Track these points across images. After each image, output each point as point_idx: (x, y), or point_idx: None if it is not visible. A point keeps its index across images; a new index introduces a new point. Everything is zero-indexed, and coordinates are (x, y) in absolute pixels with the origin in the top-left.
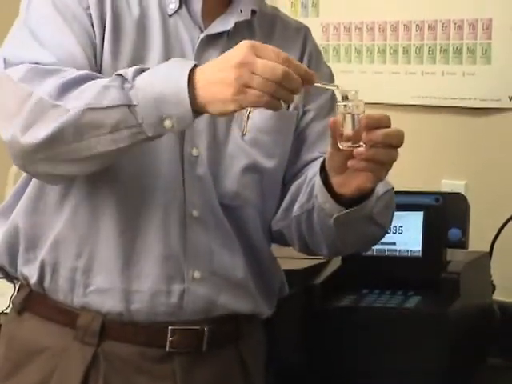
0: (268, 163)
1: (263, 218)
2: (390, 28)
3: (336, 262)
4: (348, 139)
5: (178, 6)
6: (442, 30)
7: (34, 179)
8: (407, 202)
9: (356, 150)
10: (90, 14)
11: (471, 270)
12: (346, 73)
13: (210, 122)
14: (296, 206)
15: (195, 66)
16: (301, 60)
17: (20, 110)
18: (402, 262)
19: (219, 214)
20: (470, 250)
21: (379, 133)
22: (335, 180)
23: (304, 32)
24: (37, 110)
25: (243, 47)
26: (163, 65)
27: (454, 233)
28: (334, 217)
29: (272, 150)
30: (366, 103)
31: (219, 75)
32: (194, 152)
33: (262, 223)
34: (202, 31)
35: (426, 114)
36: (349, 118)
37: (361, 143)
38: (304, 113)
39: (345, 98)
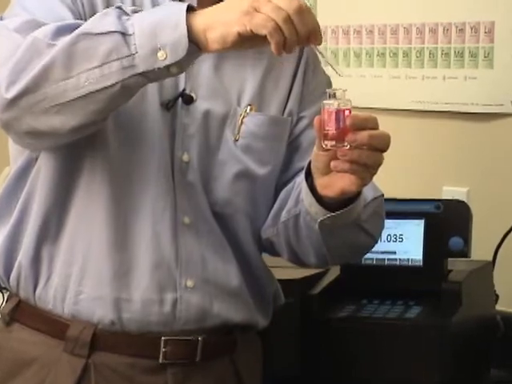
0: (261, 170)
1: (254, 226)
2: (389, 31)
3: (334, 272)
4: (332, 138)
5: None
6: (444, 33)
7: (27, 186)
8: (407, 209)
9: (340, 150)
10: (84, 11)
11: (473, 280)
12: (344, 77)
13: (202, 127)
14: (284, 212)
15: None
16: (297, 66)
17: (11, 56)
18: (402, 271)
19: (211, 221)
20: (472, 258)
21: (364, 133)
22: (319, 181)
23: None
24: (31, 51)
25: None
26: (164, 4)
27: (455, 241)
28: (318, 220)
29: (265, 156)
30: (365, 108)
31: (229, 2)
32: (185, 158)
33: (253, 231)
34: None
35: (427, 119)
36: (334, 116)
37: (345, 143)
38: (298, 119)
39: (332, 96)
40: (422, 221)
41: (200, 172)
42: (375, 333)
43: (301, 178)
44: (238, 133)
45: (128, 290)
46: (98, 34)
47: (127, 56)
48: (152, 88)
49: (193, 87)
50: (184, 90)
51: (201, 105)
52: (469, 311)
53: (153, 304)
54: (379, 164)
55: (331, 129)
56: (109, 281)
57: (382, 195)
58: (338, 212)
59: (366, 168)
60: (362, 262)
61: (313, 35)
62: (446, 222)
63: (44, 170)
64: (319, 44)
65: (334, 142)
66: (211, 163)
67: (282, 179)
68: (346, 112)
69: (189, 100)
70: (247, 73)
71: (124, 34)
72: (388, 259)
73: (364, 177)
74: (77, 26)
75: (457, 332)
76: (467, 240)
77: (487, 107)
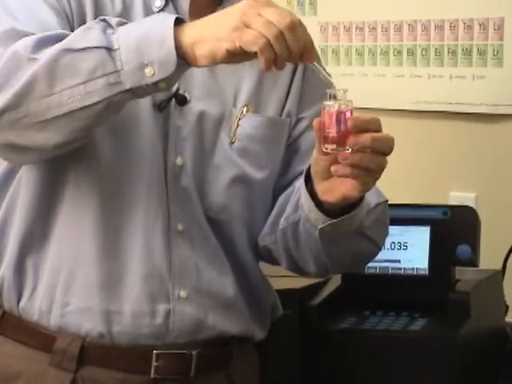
0: (258, 174)
1: (251, 232)
2: (393, 28)
3: (335, 282)
4: (333, 141)
5: (163, 3)
6: (450, 29)
7: (8, 194)
8: (412, 215)
9: (341, 154)
10: (71, 8)
11: (482, 290)
12: (346, 76)
13: (196, 129)
14: (282, 219)
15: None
16: (294, 68)
17: None
18: (407, 281)
19: (206, 228)
20: (480, 267)
21: (367, 136)
22: (320, 187)
23: None
24: (11, 65)
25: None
26: (150, 16)
27: (463, 249)
28: (318, 227)
29: (262, 160)
30: (367, 108)
31: (219, 16)
32: (179, 161)
33: (249, 238)
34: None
35: (433, 121)
36: (335, 118)
37: (346, 147)
38: (297, 121)
39: (333, 97)
40: (428, 228)
41: (194, 176)
42: (378, 346)
43: (300, 183)
44: (234, 135)
45: (118, 301)
46: (82, 49)
47: (113, 72)
48: None
49: (187, 87)
50: (178, 90)
51: (195, 106)
52: (477, 323)
53: (144, 316)
54: (382, 168)
55: (332, 131)
56: (97, 291)
57: (386, 201)
58: (340, 219)
59: (369, 172)
60: (365, 271)
61: (306, 52)
62: (453, 229)
63: (26, 179)
64: (312, 62)
65: (334, 146)
66: (206, 167)
67: (281, 183)
68: (348, 114)
69: (182, 101)
70: (244, 71)
71: (109, 50)
72: (392, 268)
73: (366, 182)
74: (60, 38)
75: (465, 345)
76: (475, 248)
77: (496, 108)
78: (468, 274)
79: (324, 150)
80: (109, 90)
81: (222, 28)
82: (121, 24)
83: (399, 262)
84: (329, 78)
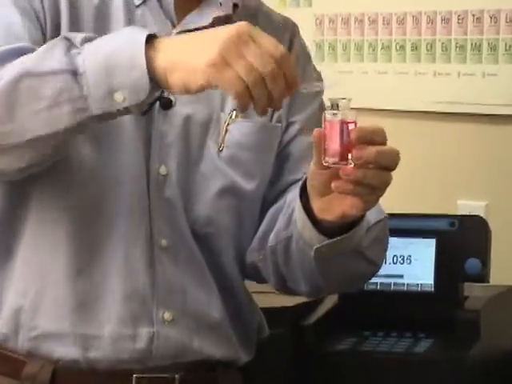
0: (247, 185)
1: (238, 247)
2: (395, 20)
3: (332, 299)
4: (334, 154)
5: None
6: (458, 22)
7: None
8: (417, 226)
9: (342, 169)
10: (43, 4)
11: (493, 308)
12: (344, 73)
13: (182, 135)
14: (272, 235)
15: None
16: None
17: None
18: (410, 298)
19: (191, 243)
20: (491, 283)
21: (371, 150)
22: (317, 204)
23: (291, 30)
24: None
25: (240, 25)
26: (118, 31)
27: (472, 263)
28: (314, 248)
29: (252, 169)
30: (366, 109)
31: (198, 41)
32: (162, 170)
33: (236, 253)
34: (174, 26)
35: (439, 123)
36: (337, 129)
37: (349, 161)
38: (288, 125)
39: (334, 106)
40: (434, 240)
41: (179, 187)
42: (379, 369)
43: (292, 196)
44: (222, 142)
45: (95, 325)
46: (44, 72)
47: (79, 97)
48: None
49: None
50: (162, 92)
51: (180, 110)
52: (488, 344)
53: (125, 340)
54: (387, 185)
55: (333, 143)
56: (68, 314)
57: (386, 217)
58: (337, 239)
59: (372, 190)
60: (365, 287)
61: (289, 89)
62: (462, 241)
63: None
64: (291, 94)
65: (336, 159)
66: (192, 177)
67: (271, 194)
68: (351, 125)
69: (167, 104)
70: None
71: (74, 73)
72: (394, 284)
73: (369, 200)
74: (22, 51)
75: (474, 368)
76: (486, 262)
77: (509, 108)
78: (478, 290)
79: (324, 164)
80: (74, 116)
81: (199, 59)
82: (87, 40)
83: (402, 277)
84: (321, 85)
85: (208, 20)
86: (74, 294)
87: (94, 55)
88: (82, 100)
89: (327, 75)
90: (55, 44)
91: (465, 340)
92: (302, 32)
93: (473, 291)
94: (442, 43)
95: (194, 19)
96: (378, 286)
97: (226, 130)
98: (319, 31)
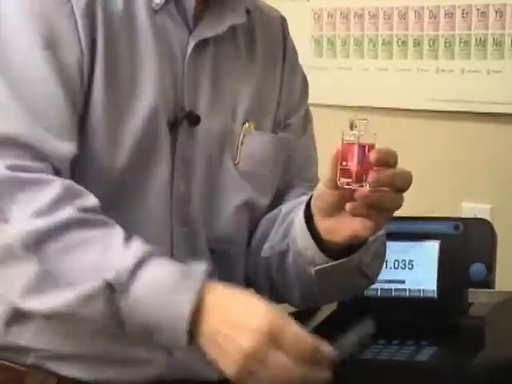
0: (263, 200)
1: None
2: (397, 15)
3: (330, 305)
4: (350, 176)
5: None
6: (462, 17)
7: None
8: (419, 230)
9: (359, 192)
10: (76, 21)
11: (499, 315)
12: (343, 70)
13: (203, 150)
14: (267, 246)
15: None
16: (282, 69)
17: None
18: (412, 304)
19: (207, 258)
20: (496, 289)
21: (388, 173)
22: (323, 224)
23: (281, 24)
24: (3, 256)
25: (259, 333)
26: (162, 285)
27: (477, 268)
28: (316, 268)
29: (267, 183)
30: (366, 107)
31: (226, 340)
32: (183, 186)
33: (245, 268)
34: (190, 32)
35: (442, 121)
36: (354, 150)
37: (365, 183)
38: (284, 127)
39: (353, 127)
40: (437, 243)
41: (201, 205)
42: (380, 378)
43: (288, 208)
44: (238, 155)
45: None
46: (86, 319)
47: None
48: (161, 106)
49: (194, 104)
50: (190, 109)
51: (202, 125)
52: (493, 352)
53: (140, 363)
54: (399, 207)
55: (350, 165)
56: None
57: (384, 234)
58: (342, 260)
59: (386, 212)
60: (364, 293)
61: None
62: (466, 246)
63: None
64: None
65: (350, 180)
66: (212, 192)
67: None
68: (369, 147)
69: (195, 121)
70: (241, 84)
71: (116, 320)
72: (395, 290)
73: (380, 222)
74: (65, 228)
75: (478, 377)
76: (491, 267)
77: None
78: (482, 296)
79: (339, 185)
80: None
81: (233, 350)
82: (130, 280)
83: (404, 282)
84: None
85: (223, 28)
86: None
87: (135, 312)
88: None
89: (326, 72)
90: (95, 290)
91: (469, 348)
92: (299, 27)
93: (477, 297)
94: (445, 39)
95: (209, 26)
96: (379, 292)
97: (241, 143)
98: (317, 26)
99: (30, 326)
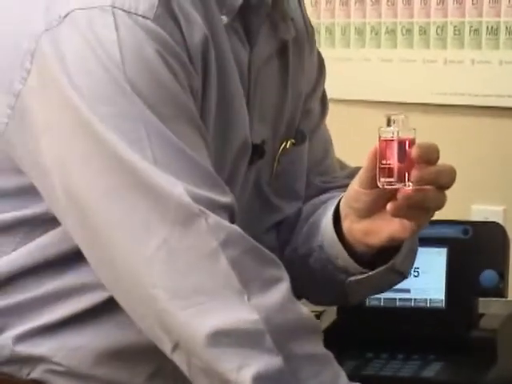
0: (290, 209)
1: None
2: (401, 1)
3: (330, 315)
4: (390, 175)
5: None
6: (473, 3)
7: None
8: (426, 234)
9: (402, 192)
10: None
11: None
12: (342, 61)
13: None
14: (290, 249)
15: None
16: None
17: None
18: (418, 315)
19: None
20: (509, 298)
21: (432, 170)
22: (358, 226)
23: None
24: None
25: None
26: None
27: (488, 276)
28: (351, 279)
29: (297, 195)
30: (367, 101)
31: None
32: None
33: None
34: (250, 47)
35: (450, 117)
36: (394, 148)
37: (407, 182)
38: (304, 114)
39: (391, 122)
40: (445, 249)
41: (242, 224)
42: None
43: (309, 210)
44: (273, 173)
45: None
46: None
47: None
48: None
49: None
50: (263, 140)
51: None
52: (506, 367)
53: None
54: (442, 206)
55: (391, 163)
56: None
57: None
58: (380, 269)
59: (427, 212)
60: (367, 303)
61: None
62: (476, 251)
63: None
64: None
65: (392, 180)
66: (254, 217)
67: None
68: (409, 143)
69: (262, 154)
70: (284, 96)
71: None
72: (400, 299)
73: (422, 222)
74: None
75: None
76: (503, 274)
77: None
78: (494, 306)
79: (379, 185)
80: None
81: None
82: None
83: (409, 291)
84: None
85: (278, 43)
86: None
87: None
88: None
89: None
90: None
91: (480, 363)
92: None
93: (489, 307)
94: (454, 26)
95: (265, 42)
96: (382, 302)
97: (279, 162)
98: (315, 13)
99: (57, 338)
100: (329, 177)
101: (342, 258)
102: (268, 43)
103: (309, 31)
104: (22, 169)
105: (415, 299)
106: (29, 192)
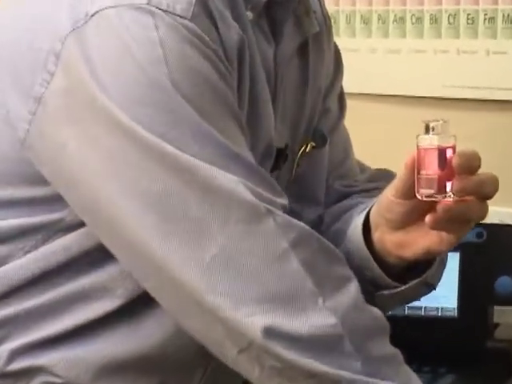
0: (309, 214)
1: None
2: None
3: None
4: (430, 186)
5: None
6: None
7: None
8: None
9: (443, 204)
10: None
11: None
12: (348, 51)
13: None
14: None
15: None
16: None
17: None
18: (429, 324)
19: None
20: None
21: (474, 180)
22: (391, 238)
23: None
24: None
25: None
26: None
27: (504, 282)
28: (380, 293)
29: (317, 200)
30: (374, 95)
31: None
32: None
33: None
34: (275, 44)
35: (463, 111)
36: (434, 157)
37: (448, 193)
38: (322, 113)
39: (429, 129)
40: (458, 254)
41: None
42: None
43: (330, 217)
44: (291, 177)
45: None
46: None
47: None
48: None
49: (283, 134)
50: (287, 144)
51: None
52: None
53: None
54: (483, 218)
55: (431, 173)
56: None
57: None
58: (412, 283)
59: (468, 224)
60: None
61: None
62: (491, 256)
63: None
64: None
65: (432, 191)
66: None
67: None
68: (450, 151)
69: (286, 158)
70: (304, 96)
71: None
72: (410, 308)
73: (462, 235)
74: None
75: None
76: None
77: None
78: (510, 315)
79: (418, 197)
80: None
81: None
82: None
83: (419, 300)
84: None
85: (302, 38)
86: None
87: None
88: None
89: None
90: None
91: (495, 376)
92: None
93: (504, 317)
94: (468, 14)
95: (290, 38)
96: (391, 311)
97: (298, 165)
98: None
99: (59, 349)
100: (350, 180)
101: (371, 269)
102: (292, 39)
103: (327, 23)
104: (44, 176)
105: (426, 308)
106: (44, 201)
